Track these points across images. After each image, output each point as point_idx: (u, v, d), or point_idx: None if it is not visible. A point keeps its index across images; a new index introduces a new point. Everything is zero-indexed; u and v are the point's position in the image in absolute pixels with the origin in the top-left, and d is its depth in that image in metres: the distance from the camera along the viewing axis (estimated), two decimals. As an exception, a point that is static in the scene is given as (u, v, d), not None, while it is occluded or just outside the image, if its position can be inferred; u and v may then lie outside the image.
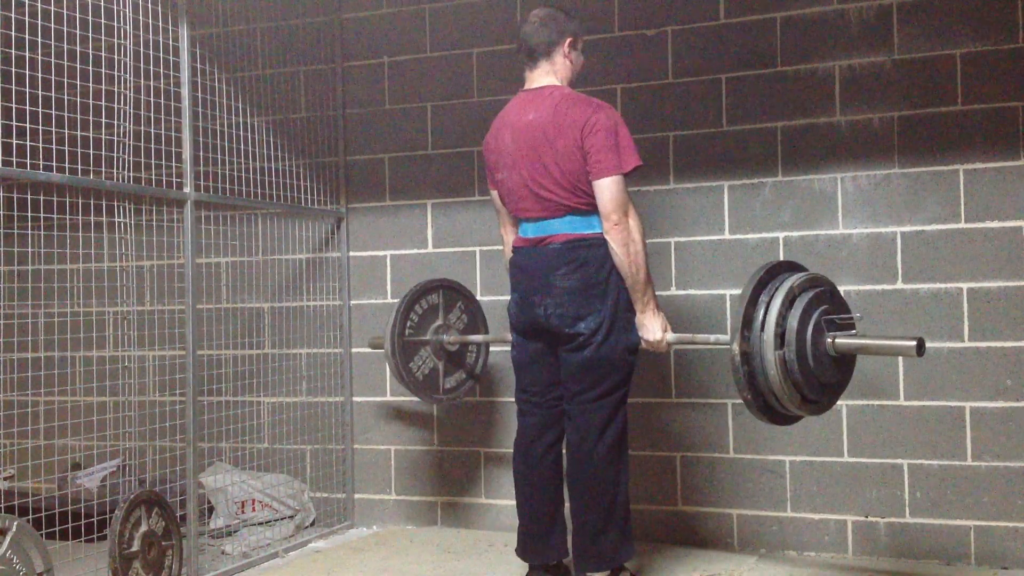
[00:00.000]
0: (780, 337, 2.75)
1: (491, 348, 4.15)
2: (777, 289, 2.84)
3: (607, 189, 3.09)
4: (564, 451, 3.34)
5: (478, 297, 4.30)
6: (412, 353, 3.89)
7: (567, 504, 3.35)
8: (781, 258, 3.90)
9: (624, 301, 3.17)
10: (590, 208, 3.15)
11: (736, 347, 2.77)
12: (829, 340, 2.81)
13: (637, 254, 3.08)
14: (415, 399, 4.46)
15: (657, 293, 4.00)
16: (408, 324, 3.89)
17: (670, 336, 3.18)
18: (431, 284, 4.00)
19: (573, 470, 3.22)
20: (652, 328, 3.16)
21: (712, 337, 3.22)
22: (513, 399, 3.49)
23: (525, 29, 3.29)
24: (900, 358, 3.75)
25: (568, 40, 3.28)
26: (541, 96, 3.23)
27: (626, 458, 3.25)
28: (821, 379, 2.83)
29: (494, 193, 3.46)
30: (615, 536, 3.18)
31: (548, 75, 3.27)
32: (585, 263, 3.13)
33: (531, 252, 3.25)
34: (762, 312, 2.80)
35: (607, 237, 3.10)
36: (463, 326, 4.05)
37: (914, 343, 2.71)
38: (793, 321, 2.76)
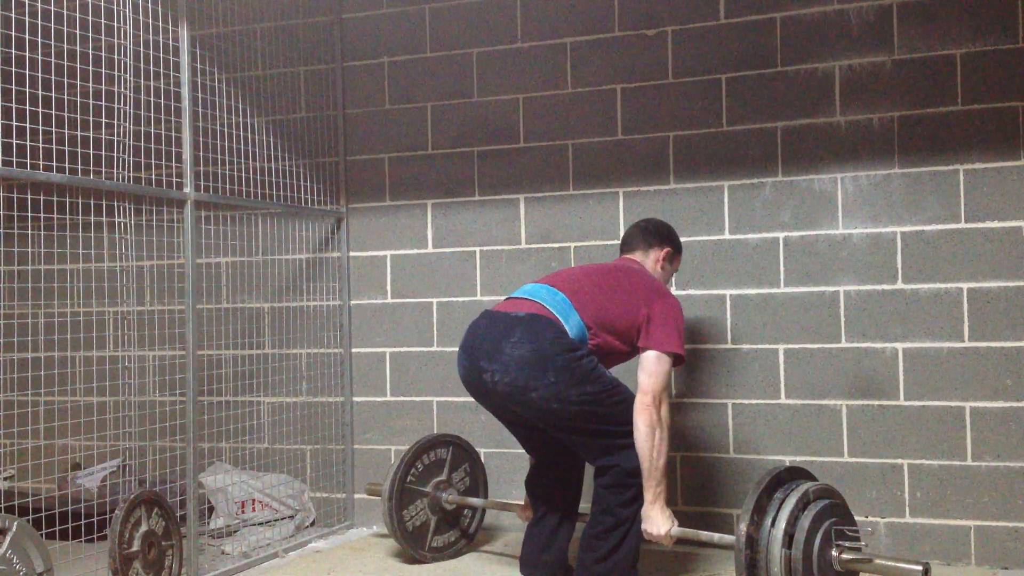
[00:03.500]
0: (789, 537, 2.70)
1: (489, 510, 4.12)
2: (793, 490, 2.81)
3: (658, 363, 3.06)
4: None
5: (477, 297, 4.31)
6: (408, 502, 3.82)
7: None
8: (781, 258, 3.91)
9: (582, 369, 3.03)
10: (586, 327, 3.09)
11: (744, 528, 2.71)
12: (836, 553, 2.76)
13: (662, 442, 3.02)
14: (415, 399, 4.47)
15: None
16: (411, 472, 3.84)
17: (675, 531, 3.08)
18: (443, 438, 3.98)
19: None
20: (658, 522, 3.05)
21: (716, 536, 3.10)
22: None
23: (633, 227, 3.53)
24: (900, 357, 3.75)
25: (667, 250, 3.47)
26: (628, 260, 3.46)
27: (634, 510, 3.15)
28: None
29: None
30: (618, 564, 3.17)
31: (637, 260, 3.44)
32: (539, 335, 3.03)
33: (494, 317, 3.18)
34: (775, 508, 2.76)
35: (635, 415, 3.02)
36: (464, 488, 4.00)
37: (920, 568, 2.65)
38: (805, 522, 2.72)
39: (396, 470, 3.80)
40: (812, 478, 2.97)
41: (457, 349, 3.29)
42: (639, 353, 3.16)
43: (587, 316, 3.11)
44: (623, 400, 3.10)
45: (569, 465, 3.40)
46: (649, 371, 3.07)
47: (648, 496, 3.05)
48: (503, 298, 3.52)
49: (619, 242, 3.64)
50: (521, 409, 3.11)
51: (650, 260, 3.45)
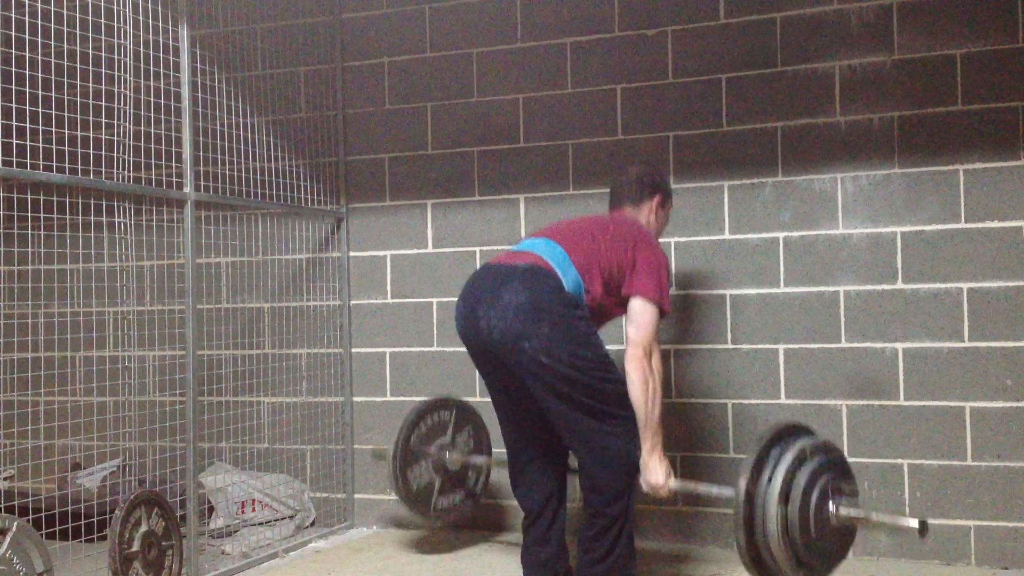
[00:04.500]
0: (785, 494, 2.70)
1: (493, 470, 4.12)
2: (789, 447, 2.80)
3: (644, 313, 3.05)
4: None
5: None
6: (412, 462, 3.82)
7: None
8: (781, 258, 3.91)
9: (578, 330, 3.02)
10: (584, 281, 3.09)
11: (743, 483, 2.71)
12: (833, 508, 2.76)
13: (656, 392, 3.01)
14: (415, 399, 4.46)
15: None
16: (415, 433, 3.84)
17: (673, 483, 3.07)
18: (445, 401, 3.98)
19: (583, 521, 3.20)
20: (656, 472, 3.04)
21: (715, 489, 3.10)
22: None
23: (620, 179, 3.44)
24: (900, 357, 3.75)
25: (658, 198, 3.41)
26: (620, 213, 3.40)
27: (629, 502, 3.12)
28: (819, 545, 2.75)
29: None
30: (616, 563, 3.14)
31: (630, 214, 3.39)
32: (538, 286, 3.02)
33: (493, 268, 3.18)
34: (772, 465, 2.76)
35: (627, 365, 3.01)
36: (469, 450, 3.99)
37: (916, 522, 2.66)
38: (801, 479, 2.72)
39: (400, 431, 3.79)
40: (812, 434, 2.96)
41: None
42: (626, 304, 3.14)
43: (583, 270, 3.10)
44: (613, 381, 3.05)
45: (552, 456, 3.35)
46: (637, 322, 3.05)
47: (646, 446, 3.04)
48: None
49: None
50: (513, 361, 3.04)
51: (643, 213, 3.39)
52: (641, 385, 3.00)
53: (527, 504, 3.40)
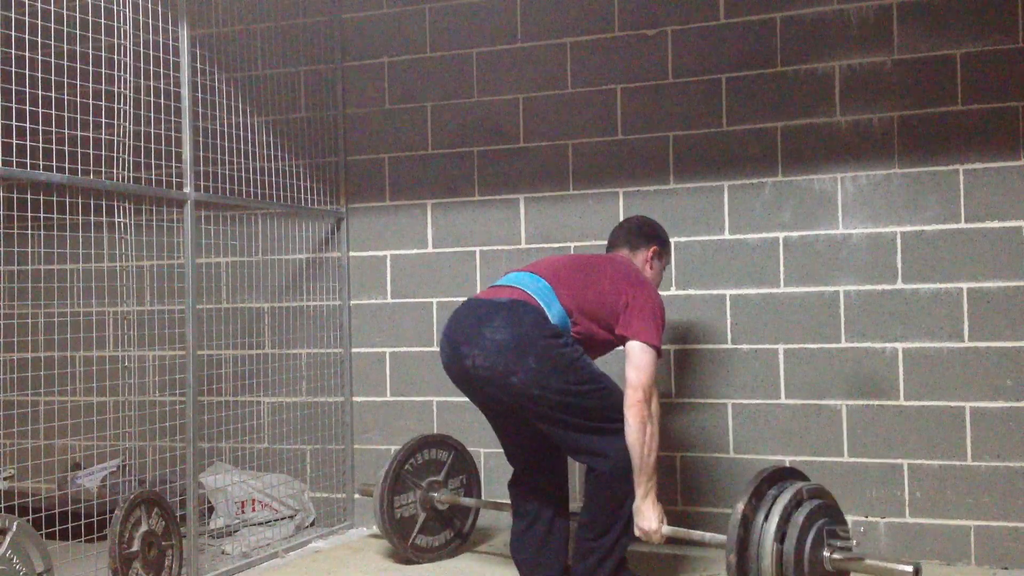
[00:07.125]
0: (782, 533, 2.70)
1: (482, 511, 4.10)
2: (786, 488, 2.81)
3: (642, 355, 3.03)
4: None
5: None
6: (402, 490, 3.81)
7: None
8: (781, 258, 3.91)
9: (564, 357, 3.00)
10: (568, 314, 3.07)
11: (741, 507, 2.70)
12: (827, 552, 2.76)
13: (653, 437, 2.99)
14: (415, 399, 4.47)
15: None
16: (410, 462, 3.84)
17: (666, 529, 3.05)
18: (447, 441, 3.98)
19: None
20: (649, 517, 3.02)
21: (708, 535, 3.07)
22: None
23: (615, 230, 3.49)
24: (900, 357, 3.75)
25: (654, 248, 3.42)
26: (615, 254, 3.44)
27: (623, 491, 3.09)
28: None
29: None
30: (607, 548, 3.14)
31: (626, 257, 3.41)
32: (519, 320, 3.01)
33: (475, 304, 3.17)
34: (769, 503, 2.76)
35: (626, 411, 2.98)
36: (458, 495, 3.97)
37: (911, 568, 2.64)
38: (798, 519, 2.72)
39: (396, 455, 3.80)
40: (806, 479, 2.97)
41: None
42: (622, 343, 3.13)
43: (569, 302, 3.08)
44: (609, 394, 3.05)
45: (553, 467, 3.34)
46: (636, 364, 3.03)
47: (639, 491, 3.01)
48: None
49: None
50: (504, 395, 3.05)
51: (638, 260, 3.41)
52: (639, 429, 2.97)
53: (524, 510, 3.35)
